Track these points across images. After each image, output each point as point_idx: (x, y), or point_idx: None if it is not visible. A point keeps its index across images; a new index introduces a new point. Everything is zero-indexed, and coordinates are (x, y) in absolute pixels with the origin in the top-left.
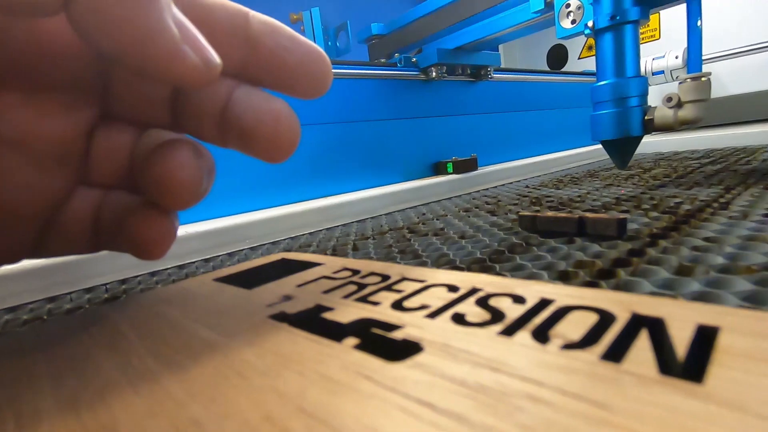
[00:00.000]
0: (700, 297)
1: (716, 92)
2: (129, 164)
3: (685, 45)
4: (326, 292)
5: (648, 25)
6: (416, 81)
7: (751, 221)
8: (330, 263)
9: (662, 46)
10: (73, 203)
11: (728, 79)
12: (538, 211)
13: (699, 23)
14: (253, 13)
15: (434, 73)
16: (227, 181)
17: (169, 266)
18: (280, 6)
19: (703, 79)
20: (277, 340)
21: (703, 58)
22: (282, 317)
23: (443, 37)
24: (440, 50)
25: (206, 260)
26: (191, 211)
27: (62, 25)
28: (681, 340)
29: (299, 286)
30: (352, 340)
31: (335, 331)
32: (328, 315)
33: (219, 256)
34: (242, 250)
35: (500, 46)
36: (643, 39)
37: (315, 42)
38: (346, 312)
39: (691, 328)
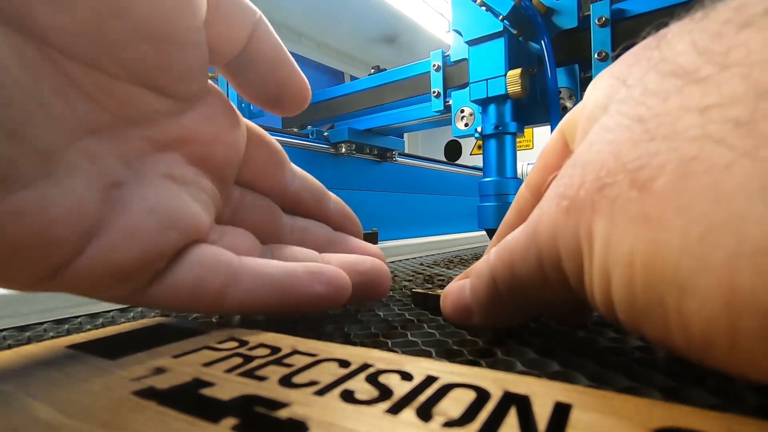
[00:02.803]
0: (558, 375)
1: None
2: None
3: None
4: (207, 364)
5: (523, 137)
6: (326, 154)
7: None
8: (215, 332)
9: (535, 155)
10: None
11: None
12: (430, 288)
13: None
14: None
15: (344, 149)
16: None
17: (6, 327)
18: None
19: None
20: (141, 422)
21: None
22: (150, 394)
23: (355, 118)
24: (351, 129)
25: (59, 321)
26: None
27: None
28: (542, 417)
29: (176, 356)
30: (230, 421)
31: (212, 410)
32: (206, 391)
33: (78, 317)
34: (110, 311)
35: (405, 134)
36: (519, 147)
37: (227, 94)
38: (228, 388)
39: (551, 405)
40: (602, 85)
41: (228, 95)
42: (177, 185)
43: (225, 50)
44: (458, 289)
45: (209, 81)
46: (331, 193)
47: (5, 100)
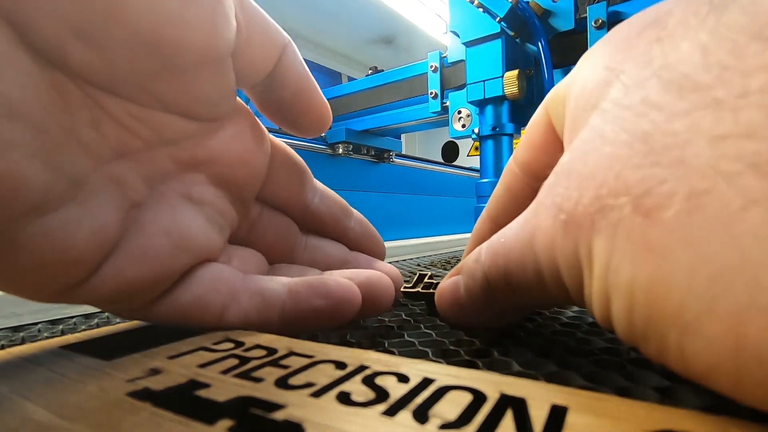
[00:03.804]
0: (555, 376)
1: None
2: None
3: None
4: (203, 365)
5: (520, 138)
6: (323, 154)
7: None
8: (211, 333)
9: None
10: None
11: None
12: (430, 286)
13: None
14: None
15: (341, 150)
16: None
17: (0, 327)
18: None
19: None
20: (136, 423)
21: None
22: (145, 395)
23: (352, 119)
24: (348, 130)
25: (53, 322)
26: None
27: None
28: (538, 419)
29: (171, 357)
30: (226, 422)
31: (208, 412)
32: (202, 392)
33: (72, 317)
34: (104, 311)
35: (402, 135)
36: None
37: None
38: (224, 389)
39: (547, 407)
40: (592, 71)
41: None
42: (194, 206)
43: (251, 76)
44: (452, 286)
45: (237, 100)
46: (354, 211)
47: (41, 129)
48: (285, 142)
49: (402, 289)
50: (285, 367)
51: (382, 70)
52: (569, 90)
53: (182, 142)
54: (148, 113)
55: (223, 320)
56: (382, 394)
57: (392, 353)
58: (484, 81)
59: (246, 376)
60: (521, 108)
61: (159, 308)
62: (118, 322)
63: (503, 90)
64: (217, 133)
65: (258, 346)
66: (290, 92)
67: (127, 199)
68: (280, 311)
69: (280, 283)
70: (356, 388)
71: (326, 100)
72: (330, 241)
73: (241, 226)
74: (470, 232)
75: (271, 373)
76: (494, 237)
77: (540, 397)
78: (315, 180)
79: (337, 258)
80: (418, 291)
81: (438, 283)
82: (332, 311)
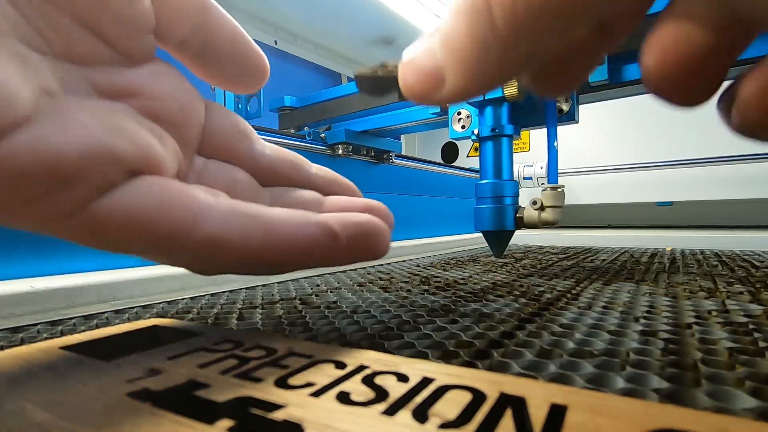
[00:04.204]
0: (555, 377)
1: (571, 201)
2: None
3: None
4: (203, 366)
5: (520, 139)
6: (323, 155)
7: (594, 311)
8: (210, 333)
9: (531, 157)
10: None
11: (581, 192)
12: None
13: (555, 144)
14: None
15: (340, 151)
16: None
17: None
18: None
19: (559, 189)
20: (135, 423)
21: (563, 172)
22: (145, 395)
23: (351, 119)
24: (348, 131)
25: (53, 323)
26: (38, 262)
27: None
28: (538, 418)
29: (171, 358)
30: (226, 422)
31: (208, 412)
32: (201, 393)
33: (72, 318)
34: (104, 312)
35: (403, 136)
36: (516, 149)
37: (224, 103)
38: (224, 389)
39: (546, 406)
40: None
41: (225, 93)
42: (131, 118)
43: (178, 28)
44: (425, 50)
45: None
46: (311, 162)
47: None
48: (279, 143)
49: (355, 74)
50: (284, 367)
51: None
52: None
53: (97, 66)
54: (55, 15)
55: (191, 235)
56: (381, 394)
57: (392, 353)
58: None
59: (246, 376)
60: (521, 109)
61: (103, 212)
62: (118, 323)
63: (503, 91)
64: (137, 68)
65: (257, 346)
66: (227, 41)
67: (35, 78)
68: (263, 232)
69: (262, 206)
70: (356, 388)
71: (262, 51)
72: (298, 188)
73: (189, 174)
74: (470, 232)
75: (271, 373)
76: None
77: (539, 396)
78: (262, 140)
79: (313, 199)
80: (377, 75)
81: None
82: (324, 243)
